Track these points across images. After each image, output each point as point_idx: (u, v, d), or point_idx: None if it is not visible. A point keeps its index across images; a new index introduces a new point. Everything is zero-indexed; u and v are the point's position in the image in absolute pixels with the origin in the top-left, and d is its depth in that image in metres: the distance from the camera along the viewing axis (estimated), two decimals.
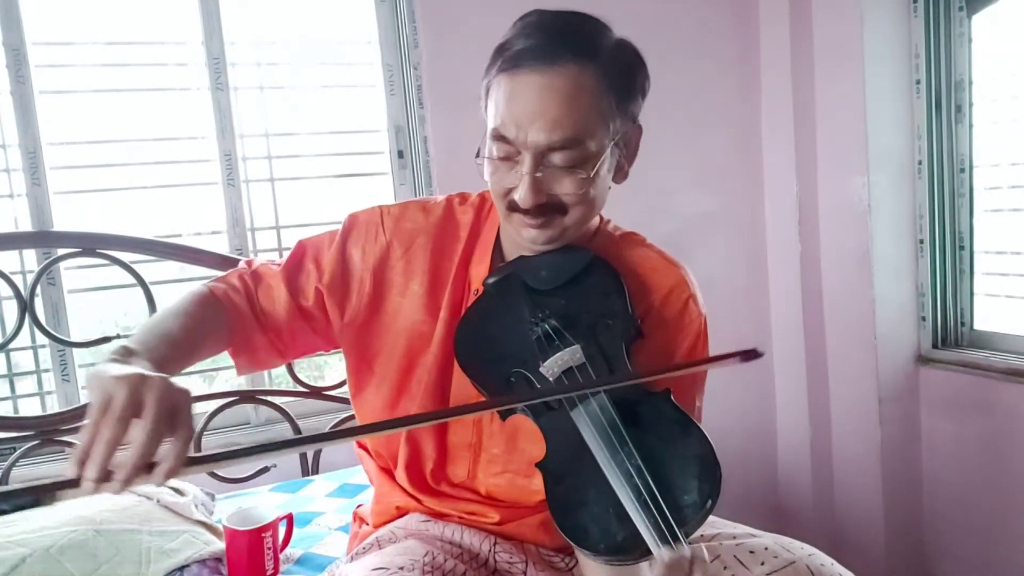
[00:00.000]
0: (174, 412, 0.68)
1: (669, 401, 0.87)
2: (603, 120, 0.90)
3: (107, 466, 0.64)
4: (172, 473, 0.67)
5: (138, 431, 0.66)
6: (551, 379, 0.90)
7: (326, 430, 0.77)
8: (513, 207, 0.93)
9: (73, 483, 0.64)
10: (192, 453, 0.68)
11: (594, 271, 0.97)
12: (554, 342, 0.92)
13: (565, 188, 0.91)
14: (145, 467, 0.66)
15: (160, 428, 0.66)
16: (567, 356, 0.90)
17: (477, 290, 1.02)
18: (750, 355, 0.82)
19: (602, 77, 0.89)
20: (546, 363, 0.90)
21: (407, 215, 1.07)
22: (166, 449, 0.67)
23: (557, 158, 0.89)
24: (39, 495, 0.66)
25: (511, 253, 1.03)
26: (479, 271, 1.03)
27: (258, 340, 1.06)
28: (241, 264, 1.10)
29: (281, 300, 1.04)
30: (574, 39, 0.89)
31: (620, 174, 0.99)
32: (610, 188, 0.99)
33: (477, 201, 1.09)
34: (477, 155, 0.95)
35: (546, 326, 0.93)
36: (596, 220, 1.06)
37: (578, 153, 0.89)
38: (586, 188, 0.91)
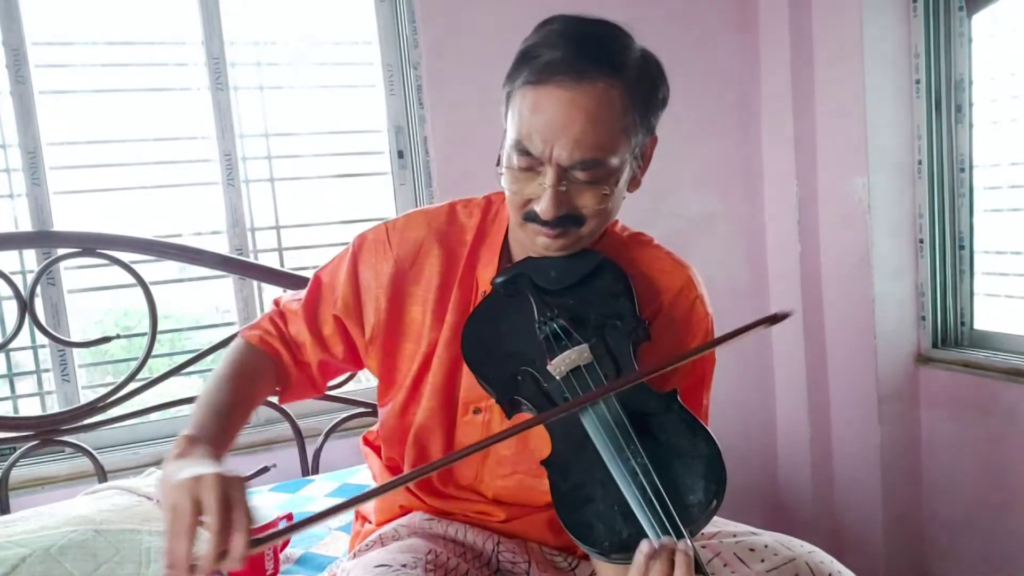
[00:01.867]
0: (231, 506, 0.74)
1: (676, 401, 0.87)
2: (626, 136, 0.90)
3: (189, 563, 0.73)
4: (242, 556, 0.74)
5: (208, 530, 0.74)
6: (558, 377, 0.90)
7: (367, 489, 0.88)
8: (531, 217, 0.93)
9: None
10: (255, 536, 0.76)
11: (603, 273, 0.97)
12: (562, 341, 0.92)
13: (586, 202, 0.91)
14: (220, 556, 0.73)
15: (223, 524, 0.73)
16: (575, 355, 0.90)
17: (485, 291, 1.02)
18: (777, 318, 0.85)
19: (627, 93, 0.89)
20: (553, 361, 0.90)
21: (411, 225, 1.08)
22: (233, 538, 0.75)
23: (580, 174, 0.89)
24: None
25: (519, 255, 1.03)
26: (486, 273, 1.03)
27: (293, 374, 1.11)
28: (270, 305, 1.16)
29: (304, 335, 1.08)
30: (601, 53, 0.88)
31: (634, 184, 0.99)
32: (624, 198, 0.99)
33: (483, 203, 1.09)
34: (498, 163, 0.95)
35: (554, 325, 0.94)
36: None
37: (601, 170, 0.89)
38: (606, 203, 0.92)
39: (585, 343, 0.91)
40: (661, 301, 1.02)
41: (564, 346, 0.91)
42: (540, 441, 0.96)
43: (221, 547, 0.73)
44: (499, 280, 1.00)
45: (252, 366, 1.06)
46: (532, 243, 0.97)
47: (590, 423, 0.85)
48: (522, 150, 0.90)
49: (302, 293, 1.13)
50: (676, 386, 0.91)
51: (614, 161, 0.90)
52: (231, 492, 0.76)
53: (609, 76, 0.87)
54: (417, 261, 1.06)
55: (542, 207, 0.90)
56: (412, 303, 1.06)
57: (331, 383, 1.87)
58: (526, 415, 0.92)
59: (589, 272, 0.97)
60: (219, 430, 0.93)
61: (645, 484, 0.79)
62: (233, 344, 1.10)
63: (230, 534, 0.74)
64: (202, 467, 0.79)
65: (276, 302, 1.15)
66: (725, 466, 0.81)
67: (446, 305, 1.04)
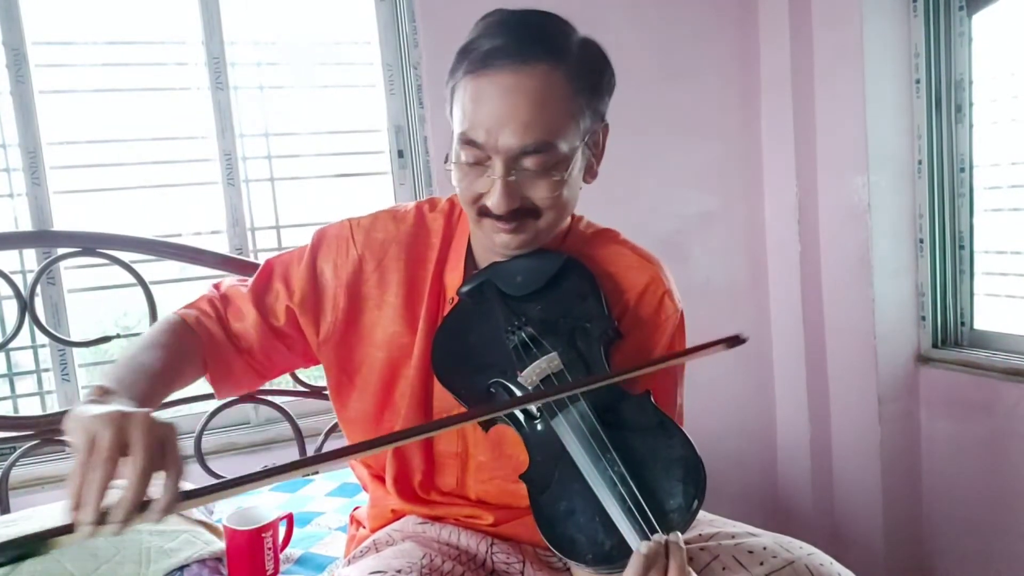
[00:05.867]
0: (162, 446, 0.65)
1: (650, 403, 0.86)
2: (574, 121, 0.88)
3: (100, 508, 0.62)
4: (168, 510, 0.64)
5: (128, 470, 0.63)
6: (530, 388, 0.88)
7: (314, 454, 0.73)
8: (484, 212, 0.91)
9: (68, 528, 0.62)
10: (185, 487, 0.66)
11: (569, 274, 0.96)
12: (531, 350, 0.90)
13: (539, 192, 0.89)
14: (140, 505, 0.63)
15: (149, 464, 0.63)
16: (545, 364, 0.88)
17: (452, 299, 1.00)
18: (734, 341, 0.82)
19: (572, 77, 0.87)
20: (524, 372, 0.89)
21: (377, 225, 1.05)
22: (159, 487, 0.65)
23: (529, 162, 0.87)
24: (33, 545, 0.63)
25: (483, 259, 1.01)
26: (453, 279, 1.01)
27: (235, 363, 1.04)
28: (210, 288, 1.08)
29: (251, 320, 1.02)
30: (542, 38, 0.87)
31: (590, 174, 0.98)
32: (581, 188, 0.97)
33: (447, 207, 1.07)
34: (446, 161, 0.93)
35: (523, 334, 0.92)
36: (568, 219, 1.04)
37: (550, 156, 0.87)
38: (559, 191, 0.90)
39: (554, 351, 0.89)
40: (627, 299, 1.00)
41: (534, 356, 0.89)
42: (515, 446, 0.95)
43: (143, 492, 0.62)
44: (464, 289, 0.98)
45: (184, 343, 0.97)
46: (491, 241, 0.95)
47: (565, 433, 0.84)
48: (468, 141, 0.88)
49: (248, 280, 1.07)
50: (649, 386, 0.89)
51: (563, 146, 0.88)
52: (164, 432, 0.66)
53: (550, 60, 0.86)
54: (381, 263, 1.03)
55: (493, 201, 0.88)
56: (371, 305, 1.03)
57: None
58: (502, 426, 0.91)
59: (554, 274, 0.95)
60: (146, 390, 0.83)
61: (624, 493, 0.78)
62: (165, 318, 1.01)
63: (151, 479, 0.63)
64: (127, 407, 0.69)
65: (217, 286, 1.07)
66: (704, 466, 0.80)
67: (417, 312, 1.02)
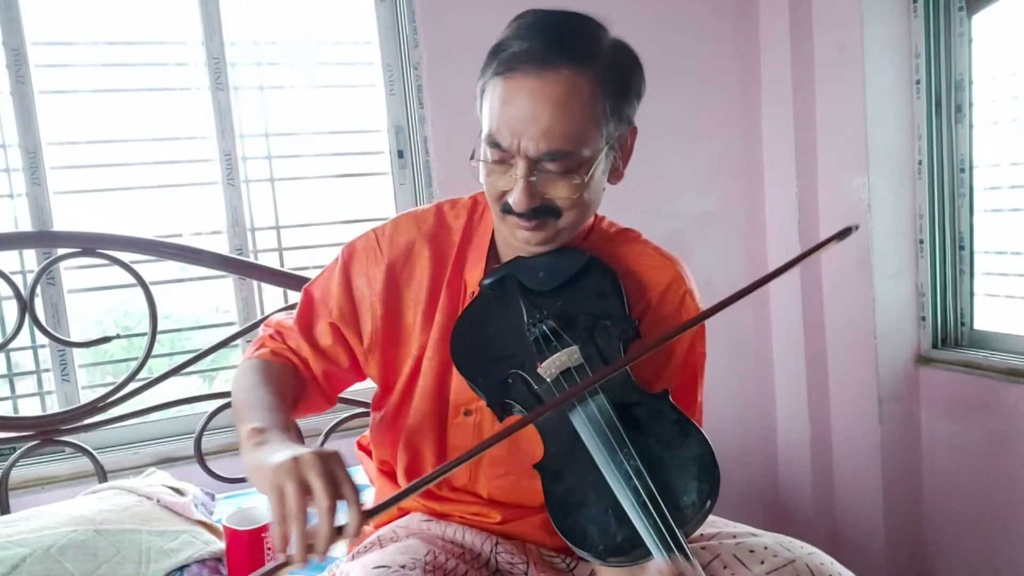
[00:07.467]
0: (336, 480, 0.74)
1: (668, 402, 0.87)
2: (597, 125, 0.90)
3: (306, 542, 0.72)
4: (358, 530, 0.74)
5: (317, 510, 0.73)
6: (548, 380, 0.89)
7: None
8: (507, 210, 0.93)
9: (285, 564, 0.74)
10: (366, 507, 0.76)
11: (591, 272, 0.97)
12: (552, 343, 0.91)
13: (559, 192, 0.91)
14: (335, 532, 0.73)
15: (332, 502, 0.73)
16: (565, 357, 0.89)
17: (473, 292, 1.02)
18: (845, 233, 0.86)
19: (597, 81, 0.89)
20: (543, 364, 0.90)
21: (400, 229, 1.08)
22: (349, 513, 0.74)
23: (550, 164, 0.89)
24: None
25: (506, 255, 1.03)
26: (474, 274, 1.03)
27: (309, 387, 1.09)
28: (262, 328, 1.14)
29: (304, 349, 1.07)
30: (570, 42, 0.88)
31: (615, 175, 0.99)
32: (604, 189, 0.99)
33: (469, 204, 1.09)
34: (472, 157, 0.95)
35: (543, 327, 0.93)
36: (591, 218, 1.06)
37: (571, 160, 0.89)
38: (579, 192, 0.91)
39: (575, 345, 0.90)
40: (649, 297, 1.01)
41: (554, 348, 0.91)
42: (531, 442, 0.96)
43: (333, 521, 0.73)
44: (487, 282, 0.99)
45: (276, 374, 1.04)
46: (513, 238, 0.97)
47: (581, 425, 0.84)
48: (493, 143, 0.90)
49: (294, 312, 1.12)
50: (667, 385, 0.91)
51: (585, 152, 0.89)
52: (333, 465, 0.75)
53: (577, 64, 0.87)
54: (408, 263, 1.06)
55: (514, 199, 0.90)
56: (406, 307, 1.06)
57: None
58: (518, 417, 0.92)
59: (577, 271, 0.96)
60: (282, 420, 0.91)
61: (638, 486, 0.79)
62: (244, 366, 1.07)
63: (336, 511, 0.73)
64: (293, 449, 0.78)
65: (268, 323, 1.14)
66: (719, 466, 0.81)
67: (435, 307, 1.04)
